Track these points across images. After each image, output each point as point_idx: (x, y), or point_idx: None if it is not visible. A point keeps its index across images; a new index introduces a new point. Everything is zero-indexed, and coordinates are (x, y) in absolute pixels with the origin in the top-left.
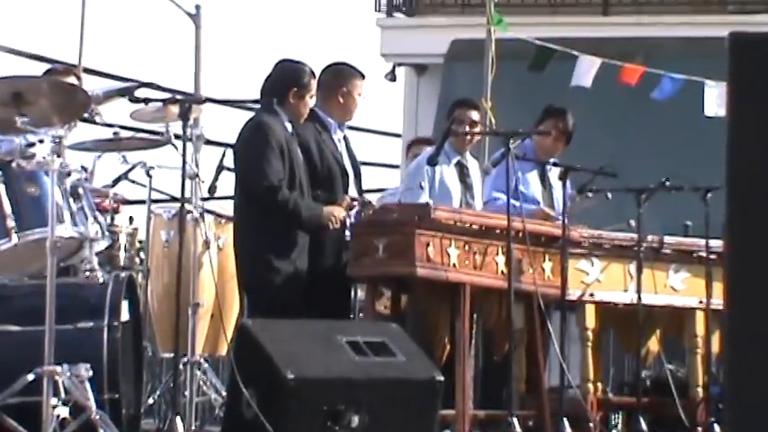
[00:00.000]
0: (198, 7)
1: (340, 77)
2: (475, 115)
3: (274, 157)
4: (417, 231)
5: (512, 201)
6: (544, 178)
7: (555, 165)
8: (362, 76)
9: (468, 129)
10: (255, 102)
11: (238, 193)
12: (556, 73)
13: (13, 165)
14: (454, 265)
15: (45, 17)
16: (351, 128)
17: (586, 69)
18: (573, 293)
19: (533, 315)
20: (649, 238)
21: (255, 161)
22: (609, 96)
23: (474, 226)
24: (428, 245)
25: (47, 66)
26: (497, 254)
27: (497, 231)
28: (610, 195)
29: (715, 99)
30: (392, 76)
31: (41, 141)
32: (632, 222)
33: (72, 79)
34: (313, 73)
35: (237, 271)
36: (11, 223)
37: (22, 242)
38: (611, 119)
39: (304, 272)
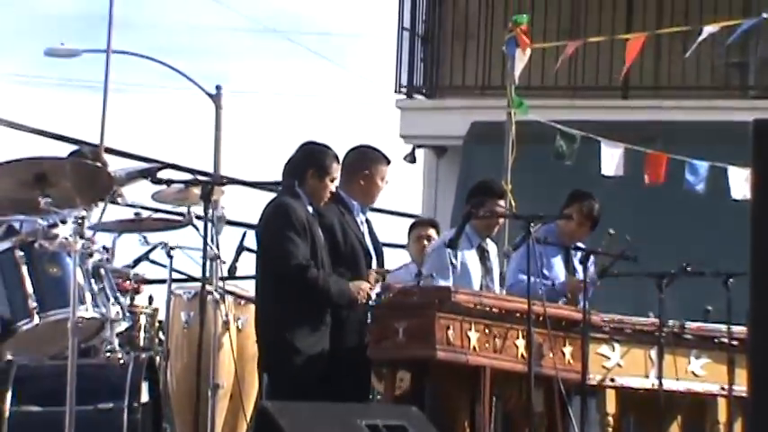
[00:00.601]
0: (218, 88)
1: (364, 161)
2: (501, 203)
3: (297, 236)
4: (438, 314)
5: (538, 282)
6: (568, 262)
7: (576, 249)
8: (387, 162)
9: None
10: (276, 183)
11: (260, 274)
12: (576, 156)
13: (36, 245)
14: (474, 348)
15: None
16: (371, 209)
17: (613, 157)
18: (593, 378)
19: (553, 399)
20: (670, 322)
21: (280, 242)
22: (630, 180)
23: (494, 309)
24: (448, 328)
25: (70, 146)
26: (518, 337)
27: (517, 315)
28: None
29: (742, 181)
30: (412, 158)
31: (64, 222)
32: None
33: (95, 161)
34: (336, 157)
35: (259, 352)
36: (33, 304)
37: (43, 323)
38: (632, 202)
39: (326, 353)
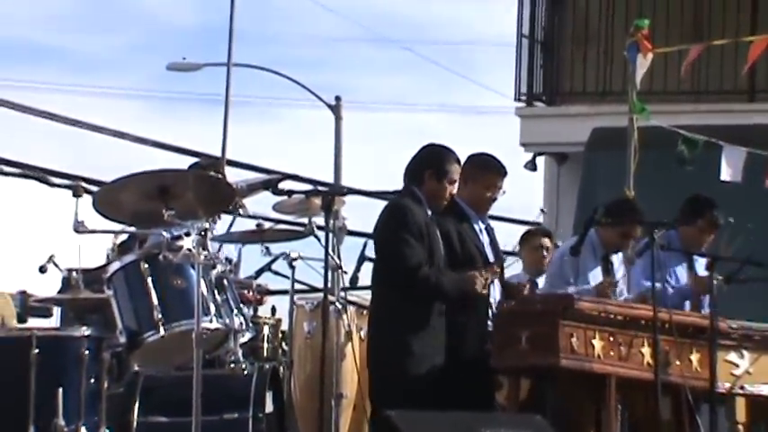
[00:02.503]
0: (338, 98)
1: (480, 169)
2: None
3: (413, 238)
4: (561, 322)
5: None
6: (692, 268)
7: (701, 255)
8: (504, 173)
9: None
10: (396, 192)
11: (375, 276)
12: (699, 161)
13: (160, 257)
14: (599, 356)
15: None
16: (491, 217)
17: (734, 163)
18: (722, 386)
19: (681, 408)
20: None
21: (394, 243)
22: (753, 184)
23: (619, 317)
24: (572, 336)
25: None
26: (643, 345)
27: (642, 322)
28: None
29: None
30: (532, 166)
31: (187, 234)
32: None
33: (216, 173)
34: (457, 159)
35: (372, 355)
36: (158, 315)
37: (168, 334)
38: (755, 206)
39: (440, 358)
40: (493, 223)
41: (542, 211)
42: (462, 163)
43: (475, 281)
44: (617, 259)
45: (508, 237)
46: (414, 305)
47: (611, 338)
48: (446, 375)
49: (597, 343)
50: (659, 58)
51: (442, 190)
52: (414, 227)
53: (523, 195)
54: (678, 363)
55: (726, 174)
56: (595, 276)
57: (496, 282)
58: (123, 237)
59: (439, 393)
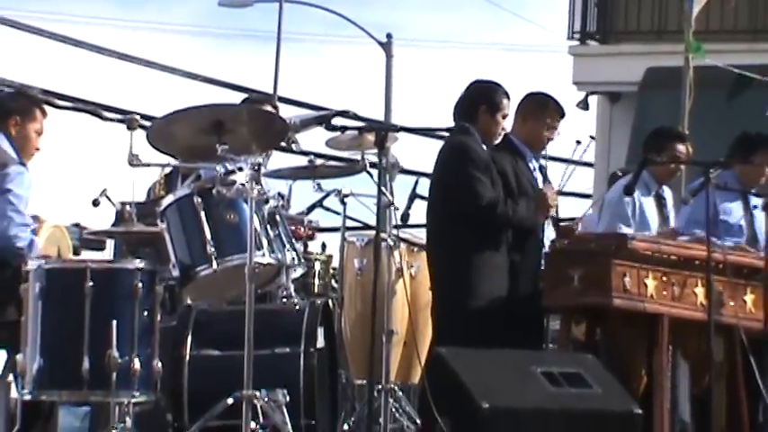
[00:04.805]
0: (389, 36)
1: (541, 108)
2: (683, 149)
3: (482, 174)
4: (614, 261)
5: (712, 233)
6: (748, 207)
7: (757, 195)
8: (563, 114)
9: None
10: (447, 130)
11: (434, 218)
12: (754, 101)
13: (214, 192)
14: (652, 296)
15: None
16: (544, 157)
17: None
18: None
19: (734, 349)
20: None
21: (466, 182)
22: None
23: (672, 257)
24: (625, 275)
25: (241, 95)
26: (696, 285)
27: (696, 262)
28: None
29: None
30: (584, 105)
31: (240, 169)
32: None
33: (268, 108)
34: (506, 93)
35: (433, 294)
36: (211, 249)
37: (221, 268)
38: None
39: (503, 297)
40: (545, 162)
41: (592, 137)
42: (521, 100)
43: (546, 197)
44: (669, 195)
45: (559, 176)
46: (477, 243)
47: (665, 278)
48: (504, 313)
49: (650, 282)
50: None
51: (495, 125)
52: (480, 163)
53: (575, 135)
54: (732, 303)
55: None
56: (651, 214)
57: (549, 221)
58: (168, 170)
59: (497, 331)
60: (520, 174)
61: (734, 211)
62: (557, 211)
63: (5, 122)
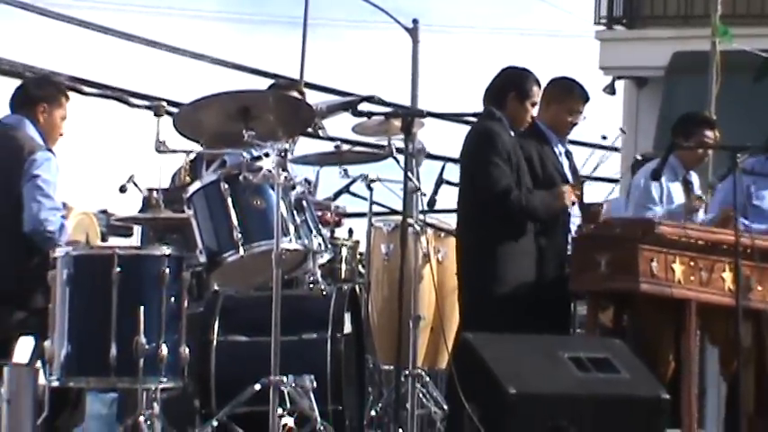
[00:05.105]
0: (415, 22)
1: (565, 93)
2: (711, 135)
3: (502, 161)
4: (641, 246)
5: (742, 218)
6: None
7: None
8: (587, 99)
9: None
10: (475, 115)
11: (463, 201)
12: None
13: (240, 178)
14: (679, 281)
15: (269, 35)
16: (569, 141)
17: None
18: None
19: (763, 334)
20: None
21: (485, 168)
22: None
23: (700, 242)
24: (652, 260)
25: (268, 81)
26: (724, 270)
27: (724, 247)
28: None
29: None
30: (611, 90)
31: (267, 155)
32: None
33: (295, 94)
34: (537, 81)
35: (459, 281)
36: (238, 235)
37: (248, 254)
38: None
39: (529, 283)
40: (571, 147)
41: (622, 130)
42: (545, 85)
43: (564, 195)
44: (696, 180)
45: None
46: (504, 229)
47: (692, 263)
48: (531, 298)
49: (677, 267)
50: None
51: (524, 112)
52: (502, 150)
53: (602, 120)
54: (760, 288)
55: None
56: (678, 199)
57: (576, 205)
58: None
59: (523, 317)
60: (545, 159)
61: (767, 196)
62: (581, 199)
63: (33, 110)
